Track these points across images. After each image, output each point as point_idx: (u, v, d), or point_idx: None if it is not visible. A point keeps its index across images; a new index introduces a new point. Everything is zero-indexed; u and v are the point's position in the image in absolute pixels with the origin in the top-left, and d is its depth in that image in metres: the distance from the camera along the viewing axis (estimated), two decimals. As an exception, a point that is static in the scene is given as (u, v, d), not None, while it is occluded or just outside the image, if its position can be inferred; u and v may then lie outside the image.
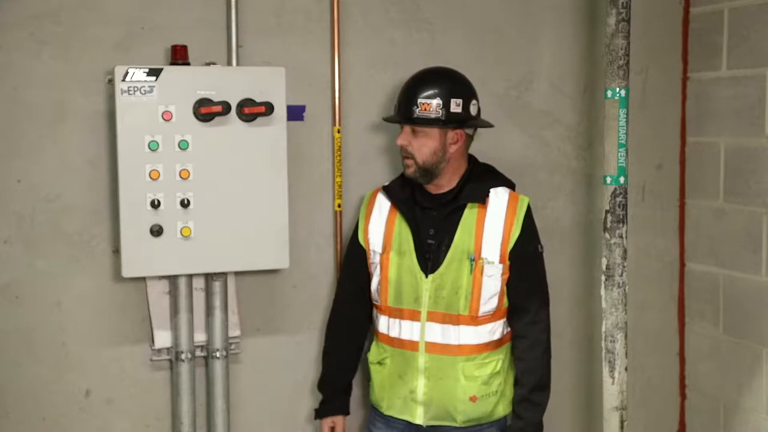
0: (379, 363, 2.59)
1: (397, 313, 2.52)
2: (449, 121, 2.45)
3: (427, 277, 2.47)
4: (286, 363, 2.86)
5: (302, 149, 2.78)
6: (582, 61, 3.15)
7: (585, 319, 3.22)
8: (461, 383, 2.47)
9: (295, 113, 2.73)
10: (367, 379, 2.70)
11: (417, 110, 2.44)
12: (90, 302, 2.63)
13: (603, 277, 2.53)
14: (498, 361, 2.51)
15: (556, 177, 3.15)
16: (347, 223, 2.85)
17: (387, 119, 2.61)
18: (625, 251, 2.51)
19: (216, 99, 2.48)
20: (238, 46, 2.68)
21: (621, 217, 2.50)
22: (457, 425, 2.50)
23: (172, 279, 2.63)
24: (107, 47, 2.58)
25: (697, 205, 3.29)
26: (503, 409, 2.53)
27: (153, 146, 2.45)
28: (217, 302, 2.66)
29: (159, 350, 2.67)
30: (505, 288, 2.49)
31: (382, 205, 2.59)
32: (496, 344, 2.51)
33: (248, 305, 2.78)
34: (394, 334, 2.53)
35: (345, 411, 2.68)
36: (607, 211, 2.51)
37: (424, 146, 2.45)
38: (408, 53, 2.89)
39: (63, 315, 2.61)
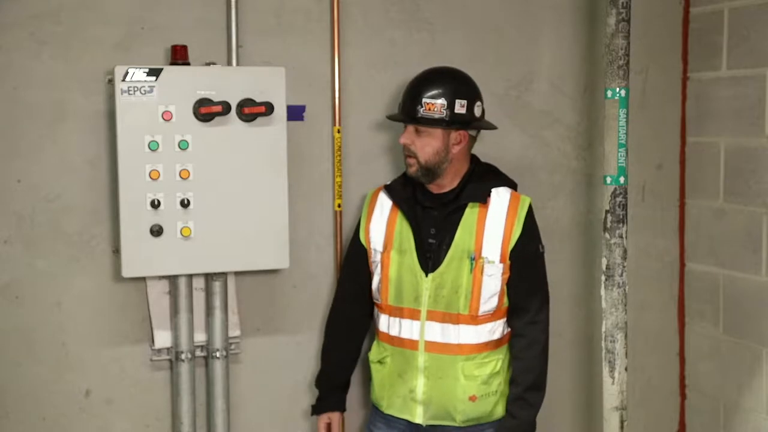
0: (380, 362, 2.59)
1: (397, 312, 2.52)
2: (453, 121, 2.45)
3: (427, 276, 2.47)
4: (286, 363, 2.86)
5: (302, 149, 2.78)
6: (582, 61, 3.15)
7: (585, 319, 3.22)
8: (461, 382, 2.47)
9: (295, 113, 2.73)
10: (367, 378, 2.70)
11: (421, 110, 2.44)
12: (90, 302, 2.63)
13: (603, 277, 2.53)
14: (498, 361, 2.51)
15: (556, 177, 3.15)
16: (347, 223, 2.85)
17: (391, 117, 2.61)
18: (625, 251, 2.51)
19: (216, 99, 2.48)
20: (238, 46, 2.68)
21: (621, 217, 2.50)
22: (456, 425, 2.50)
23: (172, 279, 2.63)
24: (107, 47, 2.58)
25: (697, 205, 3.29)
26: (503, 409, 2.53)
27: (153, 146, 2.45)
28: (217, 302, 2.66)
29: (159, 350, 2.67)
30: (505, 288, 2.49)
31: (384, 204, 2.59)
32: (495, 344, 2.51)
33: (248, 305, 2.78)
34: (394, 332, 2.53)
35: (341, 408, 2.69)
36: (607, 211, 2.51)
37: (426, 146, 2.46)
38: (408, 53, 2.89)
39: (63, 315, 2.61)
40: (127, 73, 2.41)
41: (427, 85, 2.47)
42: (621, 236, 2.50)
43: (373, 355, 2.62)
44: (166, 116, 2.45)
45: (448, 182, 2.51)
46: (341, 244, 2.84)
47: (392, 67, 2.87)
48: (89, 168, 2.59)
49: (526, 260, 2.49)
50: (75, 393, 2.64)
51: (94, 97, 2.57)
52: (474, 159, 2.59)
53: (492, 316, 2.49)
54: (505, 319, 2.53)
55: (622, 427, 2.53)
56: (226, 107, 2.48)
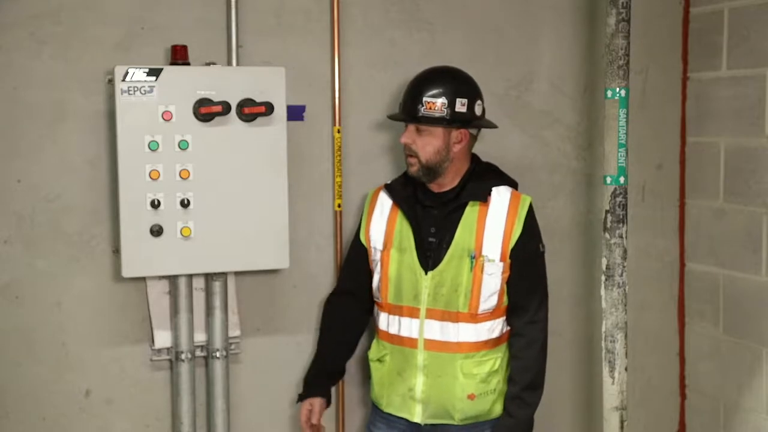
0: (379, 360, 2.59)
1: (397, 310, 2.52)
2: (454, 120, 2.45)
3: (426, 274, 2.47)
4: (286, 363, 2.85)
5: (302, 149, 2.78)
6: (582, 61, 3.15)
7: (585, 319, 3.22)
8: (459, 381, 2.47)
9: (295, 113, 2.73)
10: (367, 377, 2.70)
11: (422, 109, 2.45)
12: (90, 302, 2.63)
13: (603, 277, 2.53)
14: (497, 360, 2.51)
15: (556, 177, 3.15)
16: (347, 223, 2.85)
17: (392, 117, 2.61)
18: (625, 251, 2.51)
19: (216, 99, 2.48)
20: (238, 46, 2.68)
21: (621, 217, 2.50)
22: (455, 423, 2.50)
23: (172, 279, 2.63)
24: (107, 47, 2.58)
25: (697, 205, 3.29)
26: (502, 408, 2.53)
27: (153, 146, 2.45)
28: (217, 302, 2.66)
29: (159, 350, 2.67)
30: (505, 286, 2.49)
31: (384, 203, 2.60)
32: (494, 342, 2.51)
33: (248, 305, 2.78)
34: (393, 331, 2.53)
35: (324, 395, 2.65)
36: (607, 211, 2.51)
37: (427, 145, 2.46)
38: (408, 53, 2.89)
39: (63, 315, 2.61)
40: (127, 73, 2.41)
41: (428, 84, 2.47)
42: (621, 236, 2.50)
43: (373, 353, 2.62)
44: (166, 116, 2.45)
45: (448, 181, 2.52)
46: (341, 244, 2.84)
47: (392, 67, 2.87)
48: (89, 168, 2.59)
49: (526, 259, 2.49)
50: (75, 393, 2.64)
51: (94, 97, 2.57)
52: (474, 158, 2.59)
53: (491, 315, 2.49)
54: (504, 317, 2.53)
55: (622, 427, 2.53)
56: (226, 107, 2.48)
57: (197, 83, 2.48)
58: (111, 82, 2.46)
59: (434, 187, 2.53)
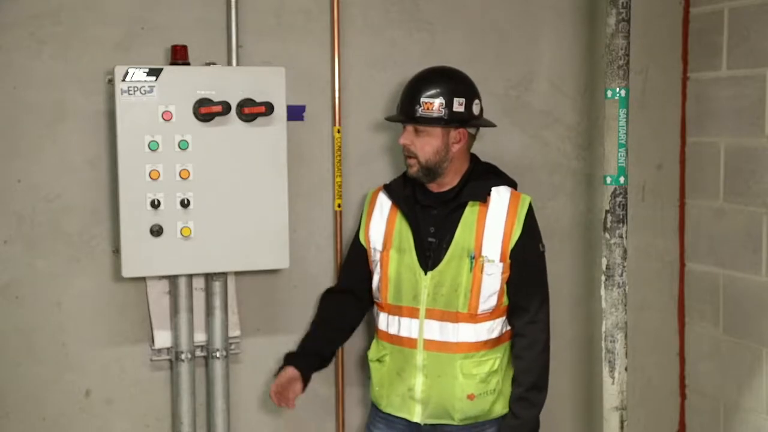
0: (379, 360, 2.59)
1: (396, 311, 2.52)
2: (452, 120, 2.45)
3: (426, 274, 2.47)
4: (286, 363, 2.85)
5: (302, 149, 2.78)
6: (582, 61, 3.15)
7: (585, 319, 3.22)
8: (459, 381, 2.47)
9: (295, 113, 2.73)
10: (367, 377, 2.70)
11: (420, 109, 2.45)
12: (90, 302, 2.63)
13: (603, 277, 2.53)
14: (496, 360, 2.50)
15: (556, 177, 3.15)
16: (347, 223, 2.85)
17: (389, 118, 2.61)
18: (625, 251, 2.51)
19: (216, 99, 2.48)
20: (238, 46, 2.68)
21: (621, 217, 2.50)
22: (455, 423, 2.50)
23: (172, 279, 2.63)
24: (107, 47, 2.58)
25: (697, 205, 3.29)
26: (501, 408, 2.53)
27: (153, 146, 2.45)
28: (217, 302, 2.66)
29: (159, 350, 2.67)
30: (504, 286, 2.49)
31: (383, 203, 2.60)
32: (494, 342, 2.51)
33: (248, 305, 2.78)
34: (393, 331, 2.53)
35: (300, 366, 2.60)
36: (607, 211, 2.51)
37: (426, 145, 2.46)
38: (408, 53, 2.89)
39: (63, 315, 2.61)
40: (127, 73, 2.41)
41: (425, 84, 2.47)
42: (621, 236, 2.50)
43: (373, 353, 2.62)
44: (166, 116, 2.45)
45: (448, 181, 2.52)
46: (341, 244, 2.84)
47: (392, 67, 2.87)
48: (89, 168, 2.59)
49: (526, 259, 2.49)
50: (75, 393, 2.64)
51: (94, 97, 2.57)
52: (474, 158, 2.59)
53: (491, 315, 2.49)
54: (504, 317, 2.53)
55: (622, 427, 2.53)
56: (226, 107, 2.48)
57: (197, 83, 2.48)
58: (111, 82, 2.46)
59: (433, 187, 2.53)
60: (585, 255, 3.20)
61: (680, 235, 3.36)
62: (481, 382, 2.48)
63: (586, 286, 3.21)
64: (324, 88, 2.83)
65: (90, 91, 2.57)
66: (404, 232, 2.52)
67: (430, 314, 2.48)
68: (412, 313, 2.50)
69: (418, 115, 2.45)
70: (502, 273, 2.47)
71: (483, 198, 2.49)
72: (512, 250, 2.47)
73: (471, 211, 2.49)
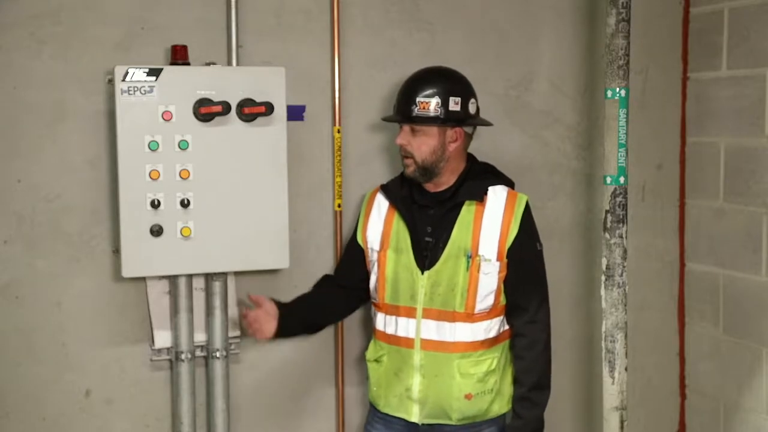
0: (376, 361, 2.59)
1: (394, 310, 2.52)
2: (448, 119, 2.45)
3: (423, 273, 2.47)
4: (286, 363, 2.86)
5: (302, 149, 2.78)
6: (582, 61, 3.15)
7: (585, 319, 3.22)
8: (456, 380, 2.47)
9: (295, 113, 2.73)
10: (366, 377, 2.70)
11: (416, 109, 2.45)
12: (90, 302, 2.63)
13: (603, 277, 2.53)
14: (494, 359, 2.50)
15: (556, 177, 3.15)
16: (347, 223, 2.85)
17: (386, 119, 2.62)
18: (625, 251, 2.51)
19: (216, 99, 2.48)
20: (238, 46, 2.68)
21: (621, 217, 2.50)
22: (452, 423, 2.50)
23: (172, 279, 2.63)
24: (107, 47, 2.58)
25: (697, 205, 3.30)
26: (499, 408, 2.53)
27: (153, 146, 2.45)
28: (217, 302, 2.66)
29: (159, 350, 2.67)
30: (501, 286, 2.49)
31: (381, 203, 2.60)
32: (491, 342, 2.51)
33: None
34: (390, 331, 2.53)
35: (282, 312, 2.56)
36: (607, 211, 2.51)
37: (423, 145, 2.46)
38: (408, 53, 2.89)
39: (63, 315, 2.61)
40: (127, 73, 2.41)
41: (421, 84, 2.48)
42: (621, 236, 2.50)
43: (370, 353, 2.61)
44: (166, 116, 2.45)
45: (445, 181, 2.52)
46: (341, 244, 2.84)
47: (392, 67, 2.87)
48: (89, 168, 2.59)
49: (523, 258, 2.49)
50: (75, 393, 2.64)
51: (94, 97, 2.58)
52: (471, 158, 2.59)
53: (488, 314, 2.49)
54: (501, 317, 2.53)
55: (622, 427, 2.53)
56: (226, 107, 2.48)
57: (197, 83, 2.48)
58: (111, 82, 2.46)
59: (430, 187, 2.53)
60: (585, 255, 3.20)
61: (680, 235, 3.36)
62: (478, 382, 2.48)
63: (586, 286, 3.20)
64: (324, 88, 2.83)
65: (90, 91, 2.57)
66: (401, 232, 2.52)
67: (427, 314, 2.48)
68: (409, 313, 2.49)
69: (414, 114, 2.45)
70: (499, 272, 2.47)
71: (480, 197, 2.49)
72: (509, 249, 2.47)
73: (468, 210, 2.49)
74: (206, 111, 2.46)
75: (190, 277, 2.63)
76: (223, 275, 2.65)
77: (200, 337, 2.69)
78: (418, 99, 2.45)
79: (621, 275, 2.51)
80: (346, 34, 2.83)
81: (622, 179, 2.49)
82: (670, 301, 3.37)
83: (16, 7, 2.50)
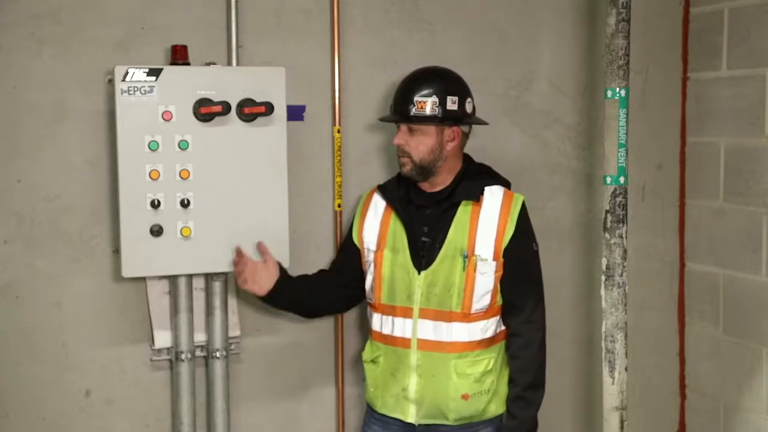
0: (373, 361, 2.58)
1: (390, 311, 2.51)
2: (445, 118, 2.46)
3: (419, 273, 2.47)
4: (286, 363, 2.86)
5: (302, 149, 2.78)
6: (582, 61, 3.15)
7: (585, 319, 3.22)
8: (453, 380, 2.46)
9: (295, 113, 2.73)
10: (362, 378, 2.69)
11: (413, 109, 2.45)
12: (90, 302, 2.63)
13: (603, 277, 2.53)
14: (490, 359, 2.50)
15: (556, 177, 3.15)
16: (347, 223, 2.85)
17: (383, 119, 2.61)
18: (625, 251, 2.51)
19: (216, 99, 2.48)
20: (238, 46, 2.68)
21: (621, 217, 2.50)
22: (449, 423, 2.49)
23: (172, 279, 2.63)
24: (107, 47, 2.58)
25: (697, 205, 3.30)
26: (496, 408, 2.52)
27: (153, 146, 2.45)
28: (217, 302, 2.66)
29: (159, 350, 2.67)
30: (498, 286, 2.49)
31: (378, 204, 2.60)
32: (488, 342, 2.51)
33: (248, 305, 2.78)
34: (386, 331, 2.53)
35: (284, 274, 2.57)
36: (607, 211, 2.51)
37: (421, 144, 2.46)
38: (408, 53, 2.89)
39: (63, 315, 2.61)
40: (127, 73, 2.41)
41: (418, 84, 2.48)
42: (621, 236, 2.50)
43: (367, 354, 2.61)
44: (166, 116, 2.45)
45: (441, 181, 2.52)
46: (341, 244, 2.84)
47: (392, 67, 2.87)
48: (89, 168, 2.59)
49: (519, 258, 2.49)
50: (75, 393, 2.64)
51: (94, 97, 2.58)
52: (467, 158, 2.59)
53: (485, 314, 2.48)
54: (498, 317, 2.52)
55: (622, 427, 2.53)
56: (226, 107, 2.48)
57: (197, 83, 2.48)
58: (111, 82, 2.46)
59: (426, 187, 2.53)
60: (585, 255, 3.20)
61: (680, 235, 3.36)
62: (475, 382, 2.48)
63: (586, 286, 3.20)
64: (324, 88, 2.83)
65: (90, 91, 2.57)
66: (398, 232, 2.52)
67: (424, 314, 2.47)
68: (406, 313, 2.49)
69: (411, 114, 2.45)
70: (496, 272, 2.47)
71: (476, 197, 2.49)
72: (505, 249, 2.47)
73: (464, 210, 2.49)
74: (206, 111, 2.46)
75: (190, 277, 2.63)
76: (223, 275, 2.65)
77: (200, 337, 2.69)
78: (415, 98, 2.45)
79: (621, 275, 2.51)
80: (346, 34, 2.83)
81: (622, 179, 2.49)
82: (670, 301, 3.37)
83: (16, 7, 2.50)
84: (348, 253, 2.63)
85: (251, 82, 2.52)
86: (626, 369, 2.54)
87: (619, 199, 2.50)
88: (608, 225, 2.50)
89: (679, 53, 3.30)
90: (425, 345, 2.48)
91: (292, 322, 2.84)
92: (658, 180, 3.30)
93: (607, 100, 2.49)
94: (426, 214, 2.51)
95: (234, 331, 2.73)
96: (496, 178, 2.58)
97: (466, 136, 2.55)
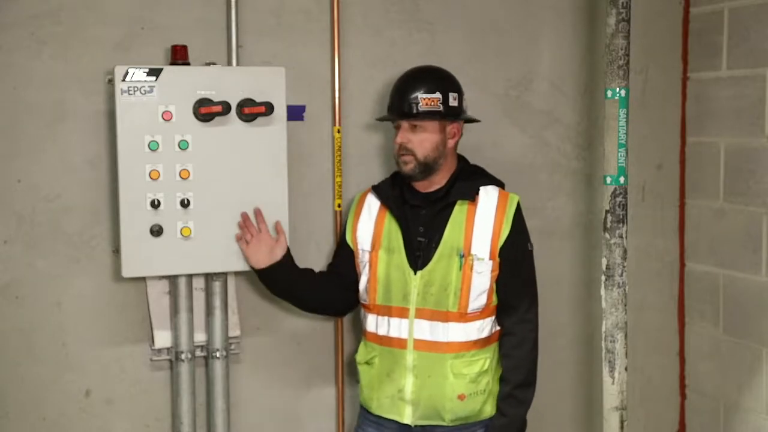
0: (367, 363, 2.57)
1: (386, 311, 2.51)
2: (448, 114, 2.46)
3: (415, 273, 2.47)
4: (286, 363, 2.86)
5: (302, 149, 2.78)
6: (582, 61, 3.15)
7: (585, 319, 3.22)
8: (449, 381, 2.46)
9: (295, 113, 2.73)
10: (356, 380, 2.69)
11: (418, 105, 2.45)
12: (90, 302, 2.63)
13: (603, 277, 2.53)
14: (486, 360, 2.50)
15: (556, 177, 3.15)
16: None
17: (383, 118, 2.61)
18: (625, 251, 2.51)
19: (216, 99, 2.48)
20: (238, 46, 2.68)
21: (621, 217, 2.50)
22: (445, 424, 2.49)
23: (172, 279, 2.63)
24: (107, 47, 2.58)
25: (697, 205, 3.30)
26: (491, 409, 2.52)
27: (153, 146, 2.45)
28: (217, 302, 2.66)
29: (159, 350, 2.67)
30: (494, 285, 2.49)
31: (371, 204, 2.59)
32: (484, 342, 2.50)
33: (248, 305, 2.78)
34: (382, 332, 2.52)
35: (288, 256, 2.58)
36: (607, 211, 2.51)
37: (425, 141, 2.46)
38: (408, 53, 2.89)
39: (63, 315, 2.61)
40: (127, 73, 2.41)
41: (419, 82, 2.49)
42: (621, 236, 2.50)
43: (360, 356, 2.60)
44: (166, 116, 2.45)
45: (438, 180, 2.52)
46: (341, 244, 2.84)
47: (392, 67, 2.87)
48: (89, 168, 2.59)
49: (515, 258, 2.49)
50: (75, 393, 2.64)
51: (94, 97, 2.58)
52: (461, 158, 2.59)
53: (481, 314, 2.48)
54: (493, 317, 2.52)
55: (622, 427, 2.53)
56: (226, 107, 2.48)
57: (197, 83, 2.48)
58: (111, 82, 2.46)
59: (421, 187, 2.53)
60: (585, 255, 3.20)
61: (680, 235, 3.36)
62: (471, 382, 2.47)
63: (586, 286, 3.20)
64: (324, 88, 2.83)
65: (90, 91, 2.57)
66: (393, 232, 2.52)
67: (420, 314, 2.47)
68: (402, 313, 2.49)
69: (415, 111, 2.45)
70: (492, 271, 2.47)
71: (472, 197, 2.49)
72: (501, 248, 2.47)
73: (460, 210, 2.49)
74: (206, 111, 2.46)
75: (190, 277, 2.63)
76: (223, 275, 2.65)
77: (200, 337, 2.69)
78: (419, 96, 2.46)
79: (621, 275, 2.51)
80: (346, 34, 2.83)
81: (622, 179, 2.49)
82: (670, 301, 3.37)
83: (16, 7, 2.50)
84: (343, 256, 2.63)
85: (251, 82, 2.52)
86: (626, 369, 2.54)
87: (619, 199, 2.50)
88: (608, 225, 2.50)
89: (679, 53, 3.30)
90: (422, 345, 2.47)
91: (292, 322, 2.84)
92: (658, 180, 3.30)
93: (607, 100, 2.49)
94: (421, 214, 2.51)
95: (234, 331, 2.73)
96: (490, 179, 2.58)
97: (461, 133, 2.56)
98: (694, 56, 3.27)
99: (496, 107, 2.99)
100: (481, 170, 2.61)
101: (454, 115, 2.49)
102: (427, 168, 2.48)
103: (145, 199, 2.46)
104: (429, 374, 2.47)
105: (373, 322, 2.55)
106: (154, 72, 2.43)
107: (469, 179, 2.53)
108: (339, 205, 2.84)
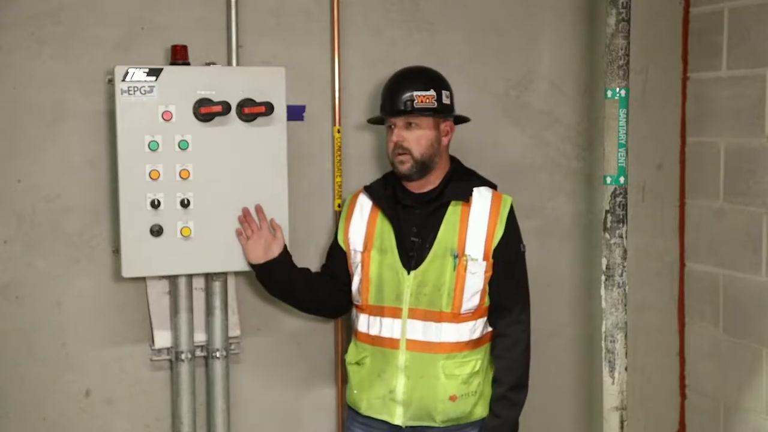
0: (358, 363, 2.56)
1: (378, 311, 2.50)
2: (443, 110, 2.48)
3: (409, 273, 2.47)
4: (286, 363, 2.86)
5: (302, 149, 2.78)
6: (582, 61, 3.15)
7: (585, 319, 3.22)
8: (441, 381, 2.45)
9: (295, 113, 2.73)
10: (345, 381, 2.68)
11: (413, 103, 2.46)
12: (90, 302, 2.63)
13: (603, 277, 2.53)
14: (477, 361, 2.49)
15: (556, 177, 3.15)
16: (347, 223, 2.85)
17: (375, 118, 2.61)
18: (625, 251, 2.51)
19: (216, 99, 2.48)
20: (238, 46, 2.68)
21: (621, 217, 2.50)
22: (436, 425, 2.48)
23: (172, 279, 2.63)
24: (107, 47, 2.58)
25: (697, 205, 3.30)
26: (482, 410, 2.51)
27: (153, 146, 2.45)
28: (217, 302, 2.66)
29: (159, 350, 2.67)
30: (487, 286, 2.49)
31: (363, 205, 2.59)
32: (475, 343, 2.50)
33: (248, 305, 2.78)
34: (374, 332, 2.51)
35: (285, 254, 2.58)
36: (607, 211, 2.51)
37: (421, 138, 2.46)
38: (408, 53, 2.89)
39: (63, 315, 2.61)
40: (127, 73, 2.41)
41: (412, 80, 2.50)
42: (621, 236, 2.50)
43: (351, 356, 2.59)
44: (166, 116, 2.45)
45: (432, 180, 2.52)
46: (341, 244, 2.84)
47: (392, 67, 2.85)
48: (89, 168, 2.59)
49: (509, 259, 2.49)
50: (75, 393, 2.64)
51: (94, 97, 2.58)
52: (454, 160, 2.60)
53: (473, 315, 2.48)
54: (485, 318, 2.52)
55: (622, 427, 2.53)
56: (226, 107, 2.48)
57: (197, 83, 2.48)
58: (111, 82, 2.46)
59: (414, 188, 2.52)
60: (585, 255, 3.20)
61: (680, 235, 3.36)
62: (463, 383, 2.47)
63: (586, 286, 3.20)
64: (324, 88, 2.83)
65: (90, 91, 2.57)
66: (386, 233, 2.51)
67: (413, 314, 2.47)
68: (395, 313, 2.48)
69: (410, 108, 2.45)
70: (485, 272, 2.47)
71: (465, 197, 2.49)
72: (495, 249, 2.47)
73: (453, 210, 2.49)
74: (206, 111, 2.46)
75: (190, 277, 2.63)
76: (223, 275, 2.65)
77: (200, 337, 2.69)
78: (414, 93, 2.46)
79: (621, 275, 2.51)
80: (346, 34, 2.83)
81: (622, 179, 2.49)
82: (670, 301, 3.37)
83: (16, 7, 2.50)
84: (335, 257, 2.62)
85: (251, 82, 2.52)
86: (626, 369, 2.54)
87: (619, 199, 2.50)
88: (608, 225, 2.50)
89: (679, 53, 3.30)
90: (414, 345, 2.47)
91: (292, 322, 2.84)
92: (658, 180, 3.30)
93: (607, 100, 2.49)
94: (415, 214, 2.51)
95: (234, 331, 2.73)
96: (482, 180, 2.59)
97: (453, 133, 2.57)
98: (694, 56, 3.27)
99: (496, 107, 2.99)
100: (473, 172, 2.61)
101: (448, 111, 2.50)
102: (423, 166, 2.48)
103: (145, 199, 2.46)
104: (421, 375, 2.46)
105: (364, 322, 2.54)
106: (154, 72, 2.44)
107: (462, 180, 2.54)
108: (339, 205, 2.84)
